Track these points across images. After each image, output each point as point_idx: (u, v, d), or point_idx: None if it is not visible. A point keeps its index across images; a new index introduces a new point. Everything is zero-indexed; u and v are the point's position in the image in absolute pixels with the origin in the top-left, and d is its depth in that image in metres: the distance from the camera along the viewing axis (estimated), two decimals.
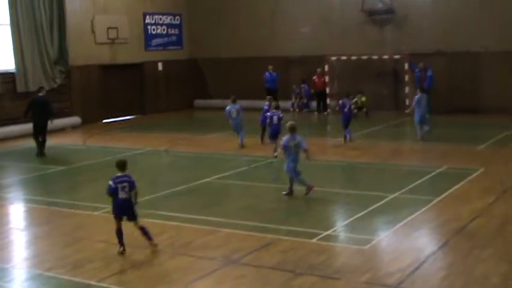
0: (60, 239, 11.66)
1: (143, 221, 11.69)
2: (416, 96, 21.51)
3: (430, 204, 13.01)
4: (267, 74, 30.03)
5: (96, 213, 13.21)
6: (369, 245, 10.61)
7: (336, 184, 15.64)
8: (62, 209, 13.76)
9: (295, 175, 14.01)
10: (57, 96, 27.08)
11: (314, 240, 10.93)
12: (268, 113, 20.02)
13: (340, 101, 21.71)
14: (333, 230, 11.63)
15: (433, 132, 21.39)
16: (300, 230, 11.53)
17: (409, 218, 12.08)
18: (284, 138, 14.09)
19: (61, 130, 25.98)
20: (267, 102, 21.22)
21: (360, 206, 13.04)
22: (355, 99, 27.03)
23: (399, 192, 13.99)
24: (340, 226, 12.07)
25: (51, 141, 23.42)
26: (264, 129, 20.91)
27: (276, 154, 18.13)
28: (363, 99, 27.60)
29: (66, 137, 24.76)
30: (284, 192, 14.06)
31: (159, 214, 12.89)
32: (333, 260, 10.06)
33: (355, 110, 26.14)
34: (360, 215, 12.43)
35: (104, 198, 14.32)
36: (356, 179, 16.09)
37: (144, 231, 10.74)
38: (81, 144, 23.10)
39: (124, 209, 10.67)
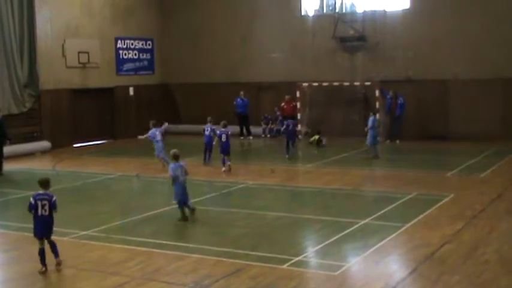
0: (28, 265, 11.46)
1: (114, 246, 11.65)
2: (370, 118, 22.89)
3: (400, 230, 13.08)
4: (238, 99, 30.14)
5: (64, 238, 13.04)
6: (339, 271, 10.61)
7: (307, 210, 15.66)
8: (30, 234, 13.45)
9: (186, 199, 14.41)
10: (27, 120, 26.96)
11: (285, 266, 10.91)
12: (218, 132, 21.28)
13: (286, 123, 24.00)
14: (303, 255, 11.62)
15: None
16: (271, 255, 11.50)
17: (379, 244, 12.13)
18: (171, 167, 14.59)
19: (30, 154, 25.75)
20: (208, 124, 22.32)
21: (330, 231, 13.06)
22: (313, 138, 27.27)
23: (370, 218, 14.05)
24: (311, 252, 12.07)
25: (20, 166, 23.22)
26: (206, 150, 22.34)
27: (224, 169, 20.64)
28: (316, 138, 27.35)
29: (36, 162, 24.51)
30: (178, 219, 14.28)
31: (129, 239, 12.79)
32: (304, 286, 10.04)
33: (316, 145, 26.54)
34: (330, 240, 12.44)
35: (74, 223, 14.27)
36: (327, 205, 16.12)
37: (53, 247, 11.04)
38: (50, 169, 22.86)
39: (44, 227, 10.97)
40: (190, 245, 12.29)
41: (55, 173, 22.18)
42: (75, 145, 28.63)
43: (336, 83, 28.44)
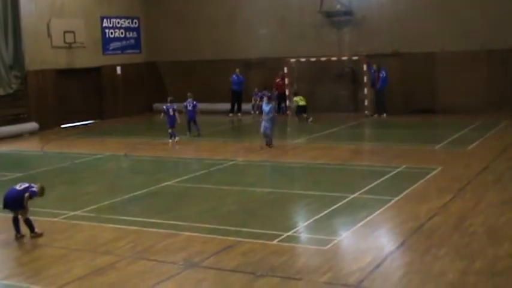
0: (19, 246, 11.52)
1: (104, 226, 11.75)
2: (269, 106, 21.69)
3: (389, 203, 13.17)
4: (234, 76, 30.10)
5: (55, 219, 13.08)
6: (329, 245, 10.69)
7: (296, 185, 15.74)
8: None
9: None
10: (14, 101, 26.81)
11: (275, 241, 10.98)
12: (164, 106, 22.80)
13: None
14: (293, 231, 11.69)
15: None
16: (261, 232, 11.57)
17: (369, 218, 12.22)
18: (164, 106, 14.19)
19: (18, 136, 25.66)
20: (189, 99, 24.00)
21: (320, 206, 13.14)
22: (294, 102, 27.35)
23: (359, 193, 14.13)
24: (301, 227, 12.14)
25: (8, 148, 23.15)
26: (189, 123, 24.07)
27: (177, 139, 22.19)
28: (297, 99, 27.37)
29: (24, 143, 24.44)
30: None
31: (119, 219, 12.82)
32: (294, 261, 10.12)
33: (294, 114, 26.73)
34: (320, 215, 12.53)
35: (63, 204, 14.29)
36: (316, 180, 16.18)
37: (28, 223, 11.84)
38: (38, 150, 22.82)
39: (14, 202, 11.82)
40: (181, 223, 12.33)
41: (43, 154, 22.15)
42: (62, 126, 28.52)
43: (323, 58, 28.39)
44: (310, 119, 26.24)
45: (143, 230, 11.99)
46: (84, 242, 11.49)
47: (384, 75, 27.24)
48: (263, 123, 20.47)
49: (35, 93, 27.72)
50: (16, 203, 11.77)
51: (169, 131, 22.43)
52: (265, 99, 22.10)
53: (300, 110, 27.09)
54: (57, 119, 28.40)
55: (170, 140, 22.34)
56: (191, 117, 23.95)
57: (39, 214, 13.57)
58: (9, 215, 13.51)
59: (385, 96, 27.52)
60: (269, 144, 20.59)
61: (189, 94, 24.34)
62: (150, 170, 18.65)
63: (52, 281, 9.50)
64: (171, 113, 22.42)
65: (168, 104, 22.83)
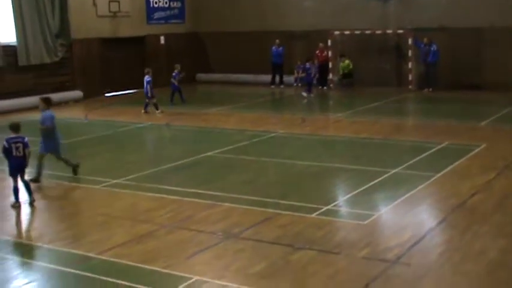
0: (61, 212, 11.72)
1: (144, 194, 11.86)
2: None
3: (430, 180, 13.01)
4: (273, 48, 29.95)
5: (97, 186, 13.25)
6: (368, 220, 10.63)
7: (337, 159, 15.63)
8: (63, 182, 13.80)
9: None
10: (59, 69, 27.12)
11: (314, 215, 10.96)
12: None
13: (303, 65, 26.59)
14: (333, 204, 11.65)
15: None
16: (300, 204, 11.56)
17: (409, 193, 12.10)
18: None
19: (63, 104, 25.98)
20: (176, 71, 24.96)
21: (360, 181, 13.05)
22: (340, 66, 27.59)
23: (400, 168, 13.99)
24: (340, 201, 12.09)
25: None
26: (173, 93, 25.22)
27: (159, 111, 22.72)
28: (346, 63, 27.73)
29: (68, 111, 24.73)
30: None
31: (160, 188, 12.92)
32: (332, 234, 10.09)
33: (339, 79, 27.01)
34: (360, 190, 12.45)
35: (105, 172, 14.46)
36: (357, 155, 16.07)
37: (27, 186, 12.01)
38: (82, 118, 23.10)
39: (18, 167, 11.89)
40: (221, 194, 12.37)
41: (87, 122, 22.41)
42: (106, 94, 28.80)
43: (368, 31, 28.06)
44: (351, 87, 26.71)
45: (183, 200, 12.07)
46: (125, 210, 11.62)
47: (435, 48, 26.73)
48: None
49: (80, 62, 27.99)
50: (23, 166, 12.04)
51: (154, 101, 23.06)
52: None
53: (346, 77, 27.42)
54: (101, 88, 28.67)
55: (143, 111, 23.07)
56: (175, 88, 25.06)
57: (81, 181, 13.81)
58: (52, 180, 13.79)
59: (436, 70, 27.02)
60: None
61: (176, 65, 25.23)
62: (191, 140, 18.73)
63: (92, 247, 9.64)
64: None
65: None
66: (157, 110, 22.76)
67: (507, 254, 8.94)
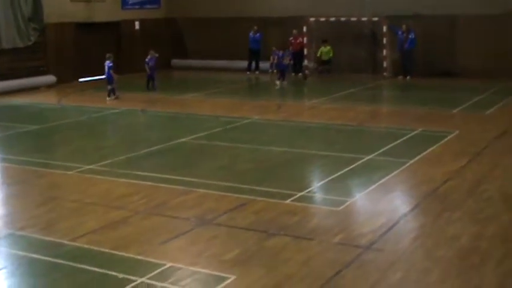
0: (33, 198, 11.59)
1: (118, 180, 11.78)
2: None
3: (404, 166, 13.08)
4: (250, 34, 29.85)
5: (69, 172, 13.14)
6: (342, 206, 10.67)
7: (312, 145, 15.65)
8: (35, 168, 13.65)
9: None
10: (32, 54, 26.79)
11: (288, 201, 10.97)
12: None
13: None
14: (307, 191, 11.67)
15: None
16: (274, 191, 11.56)
17: (383, 180, 12.15)
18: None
19: (36, 89, 25.72)
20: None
21: (334, 167, 13.09)
22: (319, 52, 27.66)
23: (374, 154, 14.05)
24: (315, 187, 12.12)
25: (25, 100, 23.25)
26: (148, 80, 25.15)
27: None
28: (327, 49, 27.87)
29: (41, 96, 24.50)
30: None
31: (134, 174, 12.85)
32: (307, 221, 10.11)
33: (316, 66, 27.18)
34: (334, 176, 12.48)
35: (78, 157, 14.34)
36: (331, 141, 16.12)
37: None
38: (55, 104, 22.88)
39: None
40: (195, 180, 12.34)
41: (60, 107, 22.20)
42: (80, 79, 28.52)
43: (343, 19, 28.07)
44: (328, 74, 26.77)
45: (157, 186, 12.02)
46: (98, 196, 11.54)
47: (413, 36, 26.79)
48: None
49: (54, 46, 27.66)
50: None
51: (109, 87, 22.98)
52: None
53: (324, 63, 27.53)
54: (75, 73, 28.37)
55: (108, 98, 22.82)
56: (148, 75, 25.06)
57: (53, 167, 13.70)
58: (24, 166, 13.65)
59: (412, 58, 27.10)
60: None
61: (151, 52, 25.17)
62: (166, 126, 18.66)
63: (65, 233, 9.56)
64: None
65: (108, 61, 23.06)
66: (114, 95, 22.75)
67: (479, 240, 9.02)
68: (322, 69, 28.53)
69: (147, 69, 24.97)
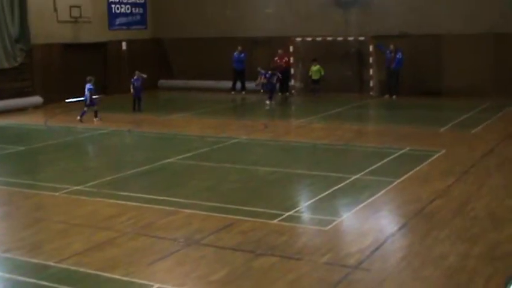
0: (19, 220, 11.51)
1: (105, 201, 11.72)
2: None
3: (391, 185, 13.11)
4: (235, 54, 29.92)
5: (56, 193, 13.06)
6: (330, 226, 10.65)
7: (299, 165, 15.66)
8: (21, 189, 13.57)
9: None
10: (19, 75, 26.78)
11: (275, 221, 10.95)
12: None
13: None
14: (294, 210, 11.65)
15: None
16: (262, 210, 11.55)
17: (370, 199, 12.17)
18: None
19: (22, 110, 25.64)
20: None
21: (322, 187, 13.10)
22: (311, 69, 27.79)
23: (361, 174, 14.08)
24: (302, 207, 12.11)
25: (12, 121, 23.15)
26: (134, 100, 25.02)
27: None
28: (317, 68, 28.15)
29: (27, 117, 24.42)
30: None
31: (120, 195, 12.79)
32: (294, 240, 10.09)
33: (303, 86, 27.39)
34: (321, 196, 12.48)
35: (65, 178, 14.26)
36: (318, 160, 16.15)
37: None
38: (42, 125, 22.80)
39: None
40: (182, 200, 12.31)
41: (47, 128, 22.13)
42: (67, 100, 28.46)
43: (329, 38, 28.25)
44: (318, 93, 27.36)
45: (144, 207, 11.97)
46: (85, 217, 11.47)
47: (400, 56, 26.98)
48: None
49: (40, 67, 27.63)
50: None
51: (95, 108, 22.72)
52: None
53: (314, 83, 27.71)
54: (62, 94, 28.30)
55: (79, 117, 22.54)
56: (134, 95, 24.91)
57: (40, 188, 13.61)
58: (10, 188, 13.56)
59: (399, 77, 27.25)
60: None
61: (136, 72, 25.00)
62: (153, 146, 18.62)
63: (51, 255, 9.49)
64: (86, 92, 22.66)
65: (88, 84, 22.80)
66: (96, 117, 22.44)
67: (466, 259, 9.03)
68: (312, 88, 28.57)
69: (132, 89, 24.82)
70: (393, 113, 24.69)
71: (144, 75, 25.09)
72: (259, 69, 28.84)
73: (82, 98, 23.23)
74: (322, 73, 28.26)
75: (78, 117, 22.35)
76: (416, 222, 10.86)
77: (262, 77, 28.55)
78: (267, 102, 26.00)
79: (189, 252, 9.62)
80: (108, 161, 16.86)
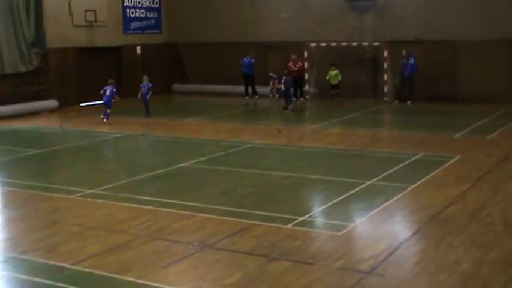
0: (36, 222, 11.60)
1: (120, 204, 11.75)
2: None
3: (405, 191, 13.09)
4: (244, 59, 29.97)
5: (71, 196, 13.14)
6: (343, 231, 10.66)
7: (313, 170, 15.67)
8: (37, 192, 13.66)
9: None
10: (34, 79, 26.94)
11: (289, 225, 10.97)
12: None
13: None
14: (308, 215, 11.67)
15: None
16: (276, 215, 11.56)
17: (384, 204, 12.16)
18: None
19: (37, 113, 25.81)
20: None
21: (336, 192, 13.10)
22: (327, 75, 27.68)
23: (375, 179, 14.06)
24: (316, 212, 12.13)
25: (27, 124, 23.32)
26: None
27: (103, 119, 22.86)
28: (335, 72, 28.03)
29: (42, 121, 24.58)
30: None
31: (135, 198, 12.86)
32: (308, 245, 10.10)
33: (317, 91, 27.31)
34: (335, 201, 12.49)
35: (80, 181, 14.35)
36: (333, 166, 16.14)
37: None
38: (57, 128, 22.95)
39: None
40: (197, 204, 12.34)
41: (62, 131, 22.26)
42: (82, 104, 28.62)
43: (344, 43, 28.24)
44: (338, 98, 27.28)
45: (159, 210, 12.02)
46: (100, 220, 11.54)
47: (413, 62, 26.93)
48: None
49: (56, 71, 27.83)
50: None
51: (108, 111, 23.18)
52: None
53: (332, 88, 27.65)
54: (77, 97, 28.49)
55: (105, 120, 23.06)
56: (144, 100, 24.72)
57: (56, 191, 13.70)
58: (26, 190, 13.66)
59: (413, 83, 27.19)
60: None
61: (145, 77, 24.94)
62: (168, 150, 18.69)
63: (67, 257, 9.55)
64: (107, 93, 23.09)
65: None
66: (107, 119, 22.94)
67: (481, 265, 9.01)
68: (332, 93, 28.41)
69: (140, 94, 24.75)
70: (408, 118, 24.63)
71: (150, 84, 24.81)
72: (271, 74, 28.92)
73: (97, 102, 23.37)
74: (340, 78, 28.14)
75: (105, 120, 22.87)
76: (430, 227, 10.83)
77: (276, 82, 28.60)
78: (285, 110, 25.66)
79: (203, 255, 9.66)
80: (122, 165, 16.94)
